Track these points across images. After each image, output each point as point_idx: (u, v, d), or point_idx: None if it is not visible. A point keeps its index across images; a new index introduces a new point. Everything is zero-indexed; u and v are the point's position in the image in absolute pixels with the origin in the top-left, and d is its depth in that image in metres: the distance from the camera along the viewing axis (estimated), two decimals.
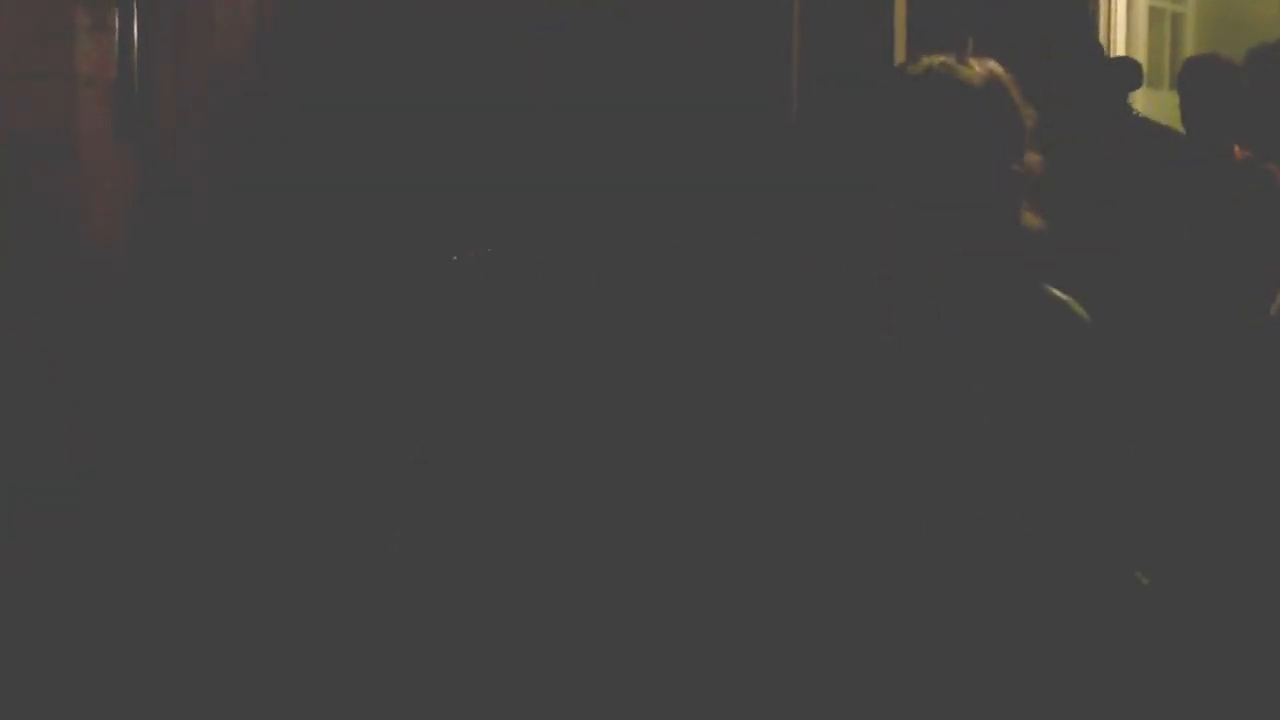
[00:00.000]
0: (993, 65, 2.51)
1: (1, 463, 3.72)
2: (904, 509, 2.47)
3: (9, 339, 3.81)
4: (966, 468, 2.43)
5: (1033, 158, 2.53)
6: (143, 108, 4.26)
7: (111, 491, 3.92)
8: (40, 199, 3.97)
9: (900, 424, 2.47)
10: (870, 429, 2.48)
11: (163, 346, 4.17)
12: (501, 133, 4.79)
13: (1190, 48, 13.28)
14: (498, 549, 4.12)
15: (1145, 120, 5.75)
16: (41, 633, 3.66)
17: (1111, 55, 7.04)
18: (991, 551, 2.47)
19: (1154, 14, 13.33)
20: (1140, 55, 11.48)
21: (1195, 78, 5.41)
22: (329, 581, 4.04)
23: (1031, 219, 2.49)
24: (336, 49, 4.67)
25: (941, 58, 2.45)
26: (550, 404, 4.35)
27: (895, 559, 2.51)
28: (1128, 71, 5.74)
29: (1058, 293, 2.55)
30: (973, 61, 2.48)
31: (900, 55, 5.62)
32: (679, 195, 4.72)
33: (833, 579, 2.61)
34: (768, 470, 2.74)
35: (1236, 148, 5.26)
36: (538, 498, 4.20)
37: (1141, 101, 7.14)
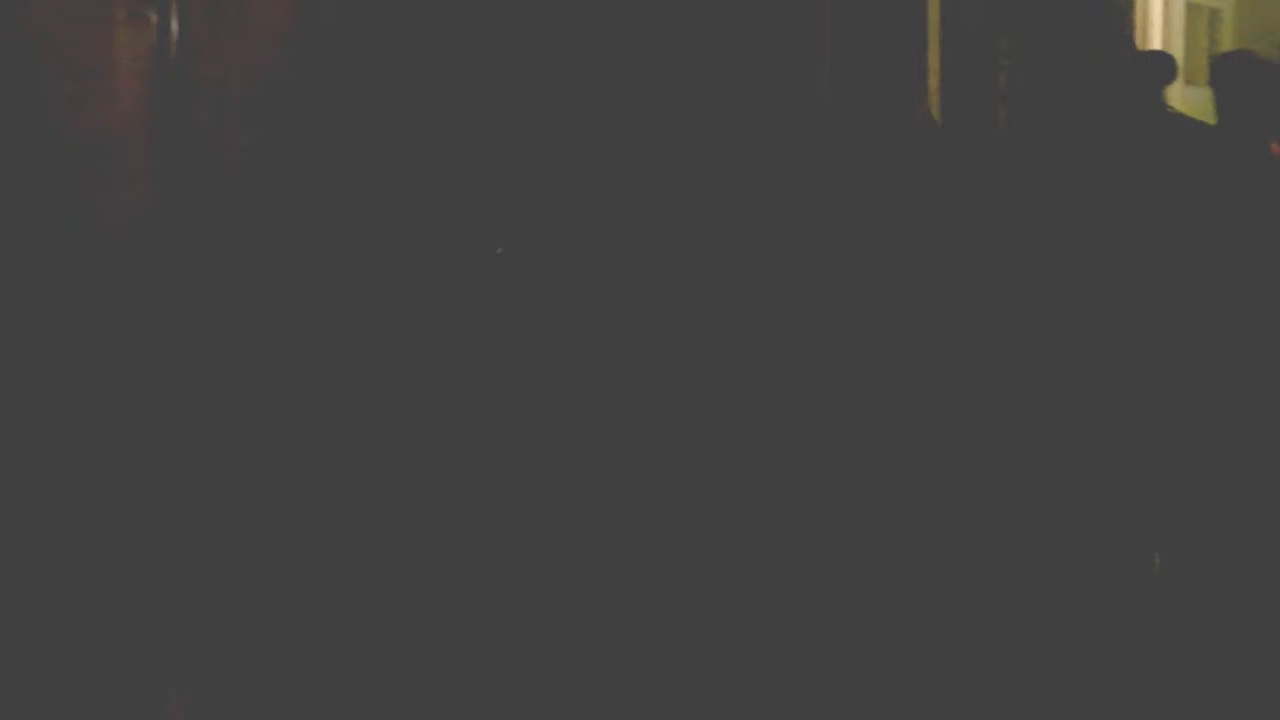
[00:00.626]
0: None
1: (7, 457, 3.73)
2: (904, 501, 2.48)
3: (41, 337, 3.82)
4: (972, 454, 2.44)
5: None
6: (180, 100, 4.27)
7: (132, 484, 3.92)
8: (77, 190, 3.99)
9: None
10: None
11: (196, 342, 4.18)
12: (538, 126, 4.80)
13: (1228, 44, 13.20)
14: (513, 544, 4.11)
15: (1180, 115, 5.71)
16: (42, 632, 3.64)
17: (1146, 50, 6.98)
18: (996, 545, 2.47)
19: (1191, 10, 13.25)
20: (1178, 52, 11.41)
21: (1229, 74, 5.39)
22: (339, 580, 4.03)
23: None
24: (376, 41, 4.68)
25: None
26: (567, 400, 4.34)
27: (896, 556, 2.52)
28: (1162, 66, 5.70)
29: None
30: None
31: (934, 54, 5.60)
32: (712, 188, 4.71)
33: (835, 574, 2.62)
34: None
35: (1274, 145, 5.23)
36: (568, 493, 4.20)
37: (1179, 98, 7.09)
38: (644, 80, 4.96)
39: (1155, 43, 11.08)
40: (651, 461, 4.30)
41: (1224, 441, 4.36)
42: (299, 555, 4.05)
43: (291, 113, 4.52)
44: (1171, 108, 5.75)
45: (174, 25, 4.26)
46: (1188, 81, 10.06)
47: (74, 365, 3.88)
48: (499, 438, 4.34)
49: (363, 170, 4.57)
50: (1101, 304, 4.38)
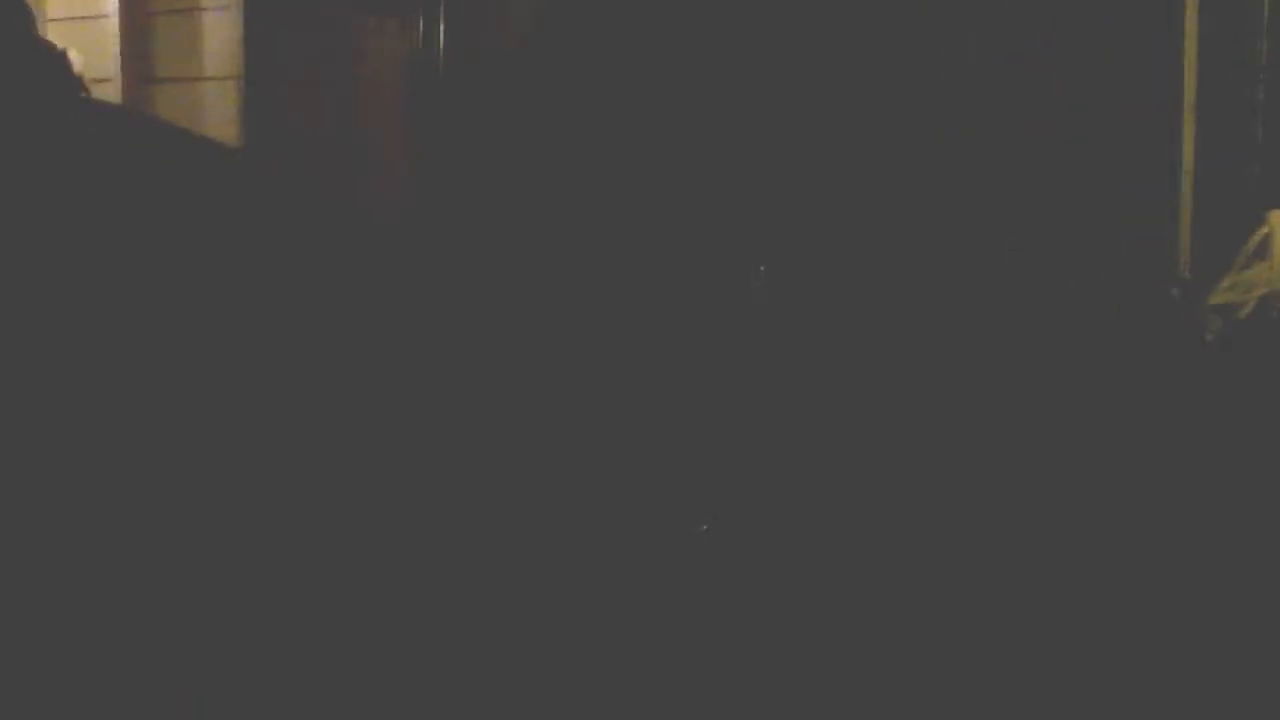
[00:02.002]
0: None
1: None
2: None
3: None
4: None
5: None
6: (430, 102, 4.39)
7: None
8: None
9: None
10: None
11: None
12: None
13: None
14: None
15: None
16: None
17: None
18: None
19: None
20: None
21: None
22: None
23: None
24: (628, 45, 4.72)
25: None
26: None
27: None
28: None
29: None
30: None
31: (1190, 69, 5.46)
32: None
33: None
34: None
35: None
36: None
37: None
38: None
39: None
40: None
41: None
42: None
43: (532, 111, 4.60)
44: None
45: (441, 35, 4.41)
46: None
47: None
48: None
49: (596, 161, 4.61)
50: None
